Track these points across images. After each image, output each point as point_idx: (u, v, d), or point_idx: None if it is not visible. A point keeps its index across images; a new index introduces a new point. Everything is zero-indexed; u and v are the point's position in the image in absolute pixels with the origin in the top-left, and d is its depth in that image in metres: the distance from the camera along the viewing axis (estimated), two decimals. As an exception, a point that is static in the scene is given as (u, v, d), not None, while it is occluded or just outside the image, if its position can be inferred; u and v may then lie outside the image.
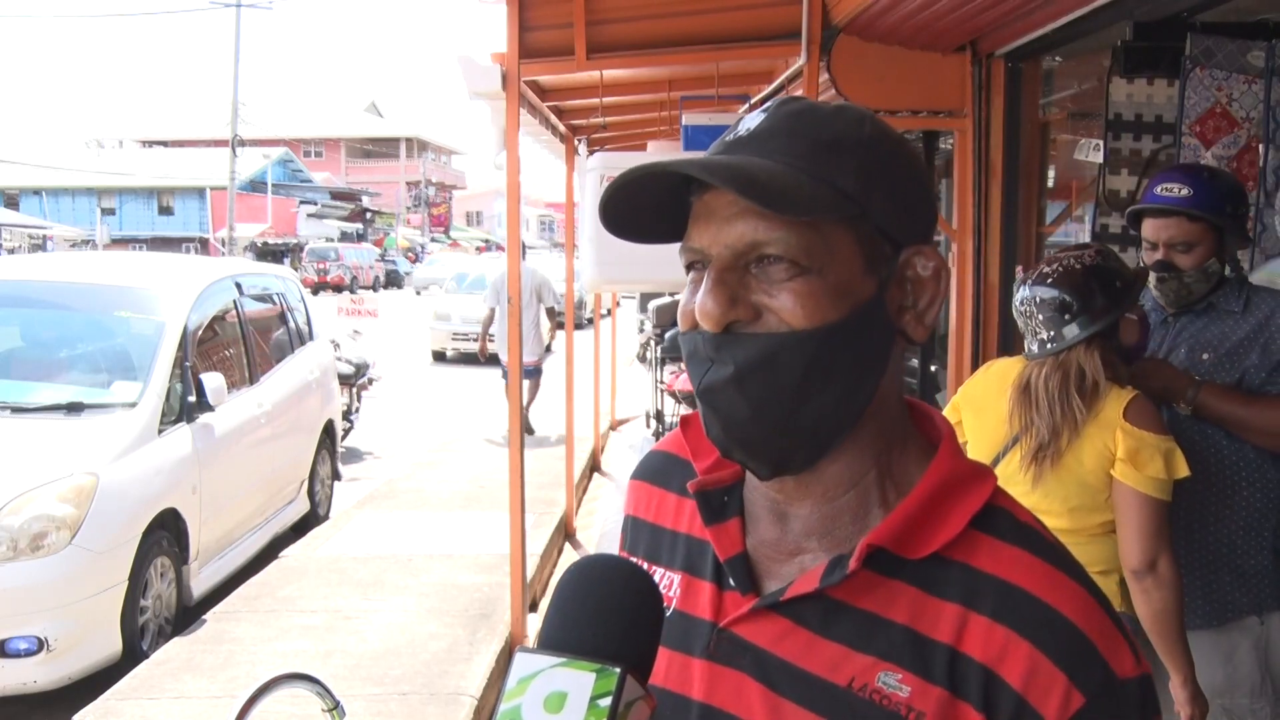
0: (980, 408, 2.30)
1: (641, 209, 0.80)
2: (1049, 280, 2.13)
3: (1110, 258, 2.18)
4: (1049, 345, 2.14)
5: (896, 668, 0.74)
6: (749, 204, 0.74)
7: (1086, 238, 3.79)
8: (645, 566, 0.88)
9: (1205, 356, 2.33)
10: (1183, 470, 2.04)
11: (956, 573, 0.76)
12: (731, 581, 0.82)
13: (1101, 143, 3.43)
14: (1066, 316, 2.11)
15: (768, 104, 0.82)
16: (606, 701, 0.65)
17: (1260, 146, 2.97)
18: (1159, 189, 2.38)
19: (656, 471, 0.96)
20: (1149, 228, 2.38)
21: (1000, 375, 2.28)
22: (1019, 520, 0.79)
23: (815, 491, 0.81)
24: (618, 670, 0.66)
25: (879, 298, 0.78)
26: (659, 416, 9.00)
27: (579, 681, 0.66)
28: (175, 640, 4.33)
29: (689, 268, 0.80)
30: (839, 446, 0.79)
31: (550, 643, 0.70)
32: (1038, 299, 2.14)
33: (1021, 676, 0.71)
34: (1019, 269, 4.23)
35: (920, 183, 0.82)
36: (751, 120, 0.80)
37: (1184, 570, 2.28)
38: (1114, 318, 2.12)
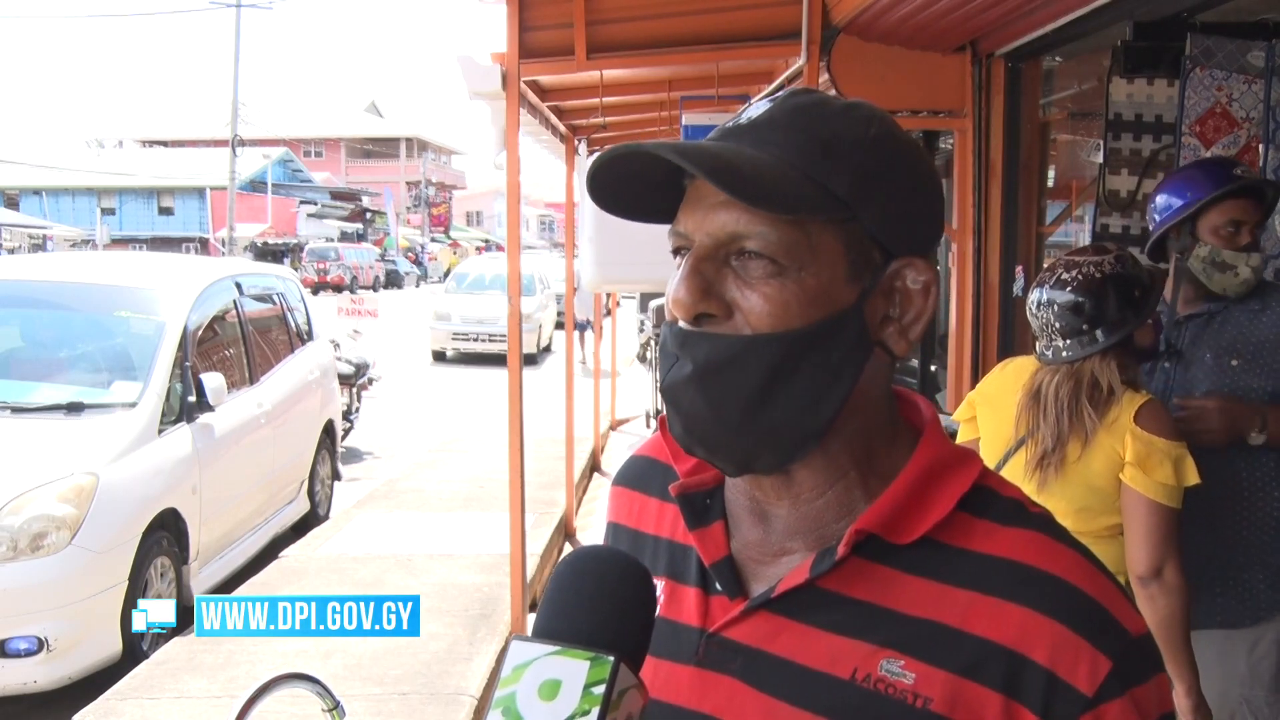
0: (995, 406, 2.29)
1: (632, 187, 0.79)
2: (1069, 287, 2.08)
3: (1130, 264, 2.13)
4: (1064, 353, 2.10)
5: (898, 654, 0.73)
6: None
7: (1087, 238, 3.79)
8: None
9: (1235, 363, 2.27)
10: (1193, 478, 2.01)
11: (950, 555, 0.75)
12: (718, 586, 0.81)
13: (1101, 143, 3.43)
14: (1085, 326, 2.07)
15: (777, 93, 0.80)
16: (600, 689, 0.65)
17: (1260, 146, 2.97)
18: (1238, 170, 2.33)
19: (636, 476, 0.94)
20: (1238, 209, 2.29)
21: (1016, 374, 2.26)
22: (1005, 497, 0.78)
23: (793, 492, 0.79)
24: (611, 658, 0.66)
25: (857, 307, 0.76)
26: (659, 416, 9.00)
27: (573, 669, 0.66)
28: (175, 640, 4.33)
29: (675, 253, 0.79)
30: (811, 451, 0.77)
31: (545, 632, 0.70)
32: (1055, 305, 2.09)
33: (1047, 652, 0.70)
34: (1019, 268, 4.24)
35: (925, 193, 0.80)
36: (756, 109, 0.78)
37: (1216, 568, 2.25)
38: (1133, 328, 2.08)
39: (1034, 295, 2.17)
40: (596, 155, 0.77)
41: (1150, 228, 2.47)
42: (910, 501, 0.76)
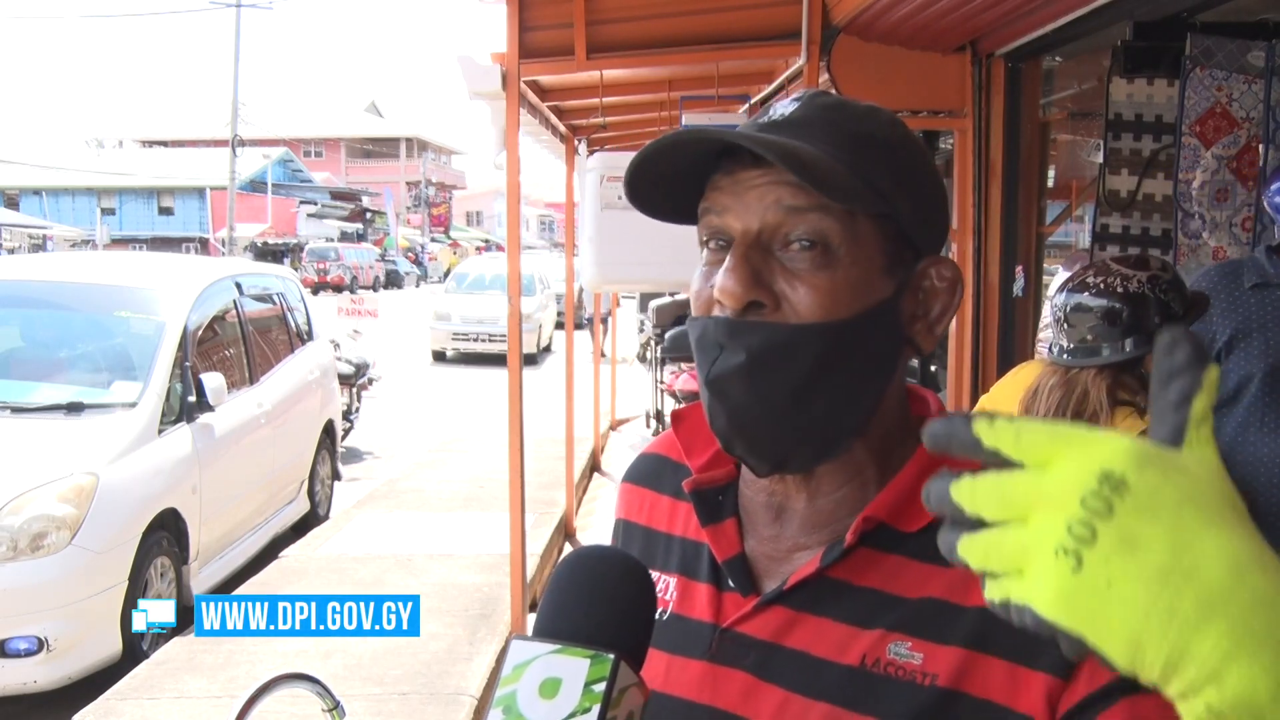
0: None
1: (668, 178, 0.79)
2: (1089, 292, 2.02)
3: (1163, 287, 2.02)
4: (1064, 356, 2.06)
5: (905, 636, 0.73)
6: (785, 184, 0.73)
7: (1087, 238, 3.79)
8: None
9: None
10: None
11: None
12: (731, 583, 0.82)
13: (1101, 143, 3.43)
14: (1089, 338, 2.01)
15: (798, 94, 0.81)
16: (600, 687, 0.66)
17: (1260, 146, 2.97)
18: None
19: (647, 474, 0.94)
20: None
21: (1025, 382, 2.23)
22: None
23: (812, 487, 0.80)
24: (611, 656, 0.67)
25: (894, 302, 0.77)
26: (659, 416, 9.00)
27: (573, 667, 0.66)
28: (175, 640, 4.33)
29: (706, 243, 0.79)
30: (849, 447, 0.78)
31: (545, 631, 0.70)
32: (1069, 306, 2.03)
33: None
34: (1019, 268, 4.24)
35: (940, 195, 0.82)
36: (785, 107, 0.79)
37: None
38: (1140, 355, 2.00)
39: (1057, 296, 2.12)
40: (652, 141, 0.77)
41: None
42: (917, 488, 0.77)
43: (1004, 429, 0.46)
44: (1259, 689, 0.41)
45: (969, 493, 0.47)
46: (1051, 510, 0.44)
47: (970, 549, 0.46)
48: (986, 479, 0.46)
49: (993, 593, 0.46)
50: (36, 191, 44.43)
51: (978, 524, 0.46)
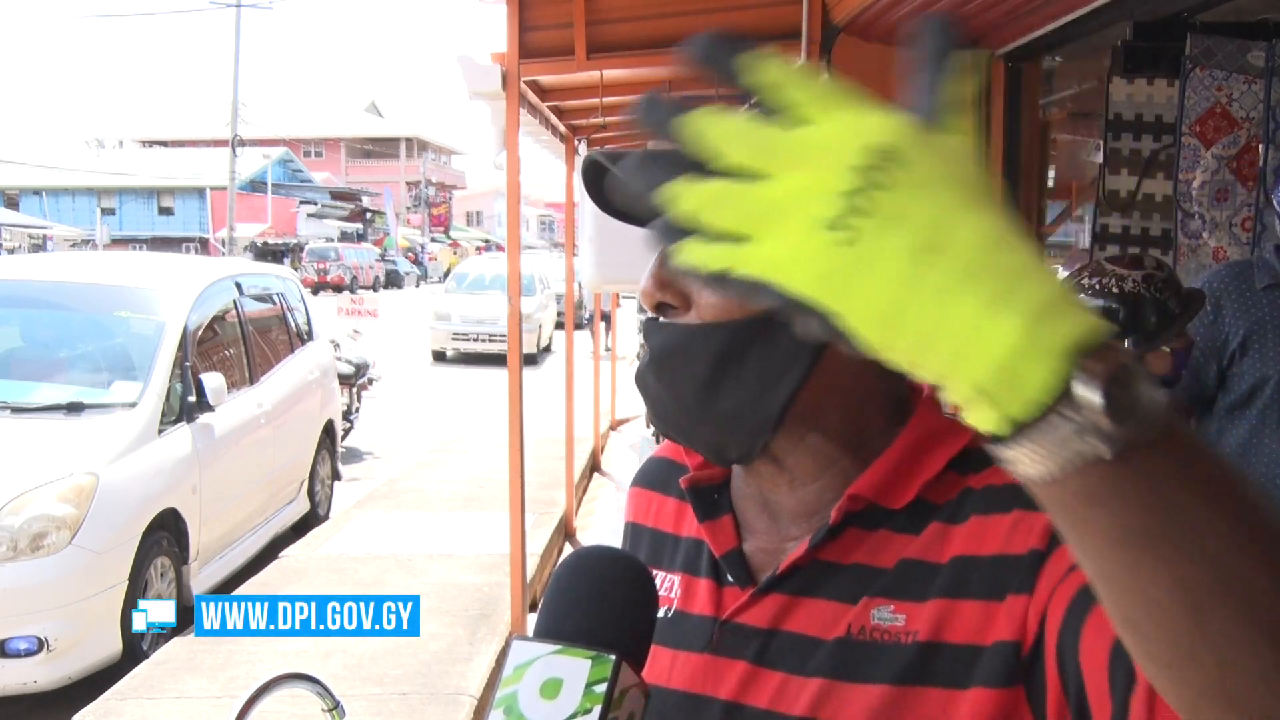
0: None
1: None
2: (1084, 293, 2.00)
3: (1159, 286, 2.00)
4: None
5: (888, 600, 0.75)
6: None
7: (1087, 238, 3.79)
8: None
9: None
10: None
11: (936, 510, 0.77)
12: (730, 577, 0.83)
13: (1101, 143, 3.44)
14: None
15: None
16: (601, 687, 0.66)
17: (1260, 146, 2.97)
18: None
19: (654, 478, 0.97)
20: None
21: None
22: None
23: (786, 477, 0.82)
24: (612, 657, 0.67)
25: None
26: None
27: (574, 668, 0.67)
28: (175, 640, 4.33)
29: None
30: (786, 436, 0.79)
31: (546, 632, 0.71)
32: None
33: (1001, 541, 0.72)
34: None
35: None
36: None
37: None
38: (1136, 354, 1.98)
39: None
40: (586, 157, 0.82)
41: None
42: (902, 466, 0.78)
43: (774, 66, 0.43)
44: (1016, 350, 0.41)
45: (715, 124, 0.43)
46: (815, 173, 0.42)
47: (691, 195, 0.42)
48: (742, 118, 0.42)
49: (701, 257, 0.43)
50: (36, 191, 44.43)
51: (696, 169, 0.42)
